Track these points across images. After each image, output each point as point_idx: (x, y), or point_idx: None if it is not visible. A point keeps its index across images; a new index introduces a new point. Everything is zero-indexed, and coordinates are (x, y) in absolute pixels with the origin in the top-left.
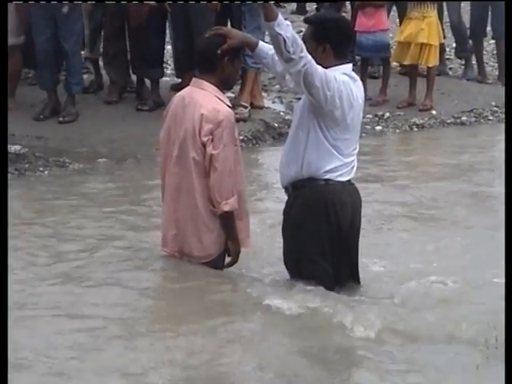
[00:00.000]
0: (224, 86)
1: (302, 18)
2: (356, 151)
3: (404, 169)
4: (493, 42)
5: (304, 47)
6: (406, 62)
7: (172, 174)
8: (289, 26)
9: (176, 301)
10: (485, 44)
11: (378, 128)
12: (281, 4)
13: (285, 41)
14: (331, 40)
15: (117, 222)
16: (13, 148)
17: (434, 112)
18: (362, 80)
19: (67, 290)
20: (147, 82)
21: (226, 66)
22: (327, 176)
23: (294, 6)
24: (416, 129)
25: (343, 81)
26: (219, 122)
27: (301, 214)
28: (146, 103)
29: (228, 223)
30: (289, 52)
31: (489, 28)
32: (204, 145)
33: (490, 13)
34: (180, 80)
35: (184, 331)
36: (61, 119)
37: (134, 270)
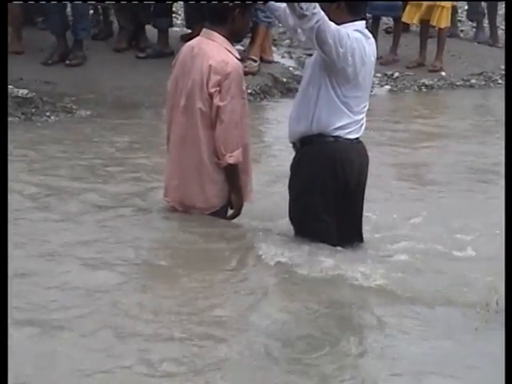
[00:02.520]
0: (234, 38)
1: None
2: (366, 109)
3: (412, 130)
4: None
5: (317, 4)
6: (415, 21)
7: (178, 123)
8: None
9: (176, 251)
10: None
11: (387, 87)
12: None
13: None
14: None
15: (118, 172)
16: (20, 92)
17: (443, 73)
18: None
19: (60, 227)
20: (152, 30)
21: (237, 18)
22: (336, 133)
23: None
24: (425, 89)
25: (356, 38)
26: (227, 74)
27: (308, 169)
28: (144, 50)
29: (232, 176)
30: (302, 8)
31: None
32: (211, 96)
33: None
34: (190, 31)
35: (182, 282)
36: (67, 62)
37: (133, 218)
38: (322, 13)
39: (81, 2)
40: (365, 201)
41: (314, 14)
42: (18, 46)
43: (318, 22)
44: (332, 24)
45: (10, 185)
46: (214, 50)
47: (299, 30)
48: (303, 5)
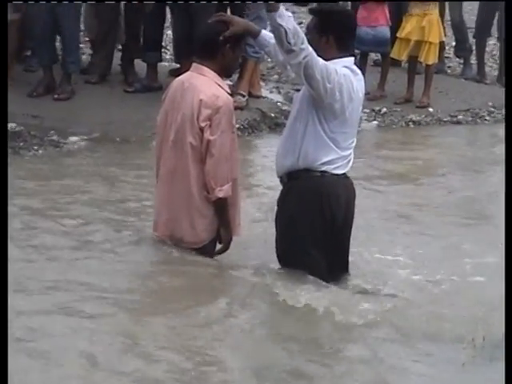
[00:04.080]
0: (224, 72)
1: (303, 8)
2: (353, 145)
3: (395, 164)
4: (492, 42)
5: (305, 39)
6: (404, 57)
7: (167, 158)
8: (290, 18)
9: (163, 285)
10: None
11: (375, 123)
12: None
13: (286, 32)
14: (335, 32)
15: (107, 204)
16: (8, 126)
17: (430, 109)
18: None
19: (51, 266)
20: (140, 64)
21: (227, 53)
22: (323, 168)
23: None
24: (412, 125)
25: (344, 74)
26: (218, 108)
27: (295, 204)
28: (132, 85)
29: (221, 210)
30: (290, 43)
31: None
32: (202, 130)
33: (497, 13)
34: (178, 65)
35: (168, 314)
36: (56, 96)
37: (123, 253)
38: (310, 48)
39: (81, 1)
40: (352, 236)
41: (301, 49)
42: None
43: (306, 57)
44: (320, 59)
45: None
46: (204, 85)
47: (288, 67)
48: (291, 40)
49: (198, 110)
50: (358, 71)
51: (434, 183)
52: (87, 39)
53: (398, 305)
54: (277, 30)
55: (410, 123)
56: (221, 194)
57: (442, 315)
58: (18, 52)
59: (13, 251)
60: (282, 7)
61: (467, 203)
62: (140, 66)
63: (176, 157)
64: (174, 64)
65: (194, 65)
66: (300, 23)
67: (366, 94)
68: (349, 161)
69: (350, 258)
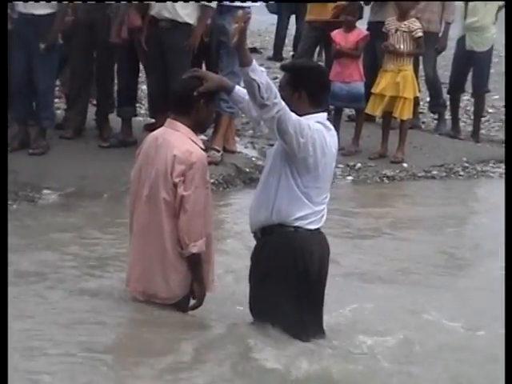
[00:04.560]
0: (198, 128)
1: (277, 64)
2: (327, 200)
3: (369, 220)
4: (466, 98)
5: (278, 94)
6: (378, 113)
7: (141, 213)
8: (263, 73)
9: (135, 342)
10: None
11: (349, 178)
12: (258, 49)
13: (259, 86)
14: (307, 87)
15: (80, 261)
16: None
17: (405, 165)
18: (335, 129)
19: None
20: (115, 119)
21: (201, 109)
22: (297, 223)
23: (270, 52)
24: (387, 180)
25: (317, 129)
26: (192, 164)
27: (269, 260)
28: (107, 140)
29: (195, 265)
30: (263, 98)
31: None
32: (175, 185)
33: (471, 69)
34: (153, 120)
35: (139, 374)
36: (30, 151)
37: (93, 307)
38: (283, 103)
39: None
40: (326, 292)
41: (274, 103)
42: None
43: (278, 111)
44: (293, 114)
45: None
46: (178, 140)
47: (262, 122)
48: (264, 94)
49: (171, 166)
50: (331, 126)
51: (408, 238)
52: (62, 94)
53: (371, 365)
54: (250, 85)
55: (385, 178)
56: (194, 250)
57: (416, 379)
58: None
59: None
60: (254, 62)
61: (441, 258)
62: (115, 120)
63: (150, 212)
64: (149, 119)
65: (169, 120)
66: (275, 78)
67: (341, 149)
68: (322, 216)
69: (325, 316)
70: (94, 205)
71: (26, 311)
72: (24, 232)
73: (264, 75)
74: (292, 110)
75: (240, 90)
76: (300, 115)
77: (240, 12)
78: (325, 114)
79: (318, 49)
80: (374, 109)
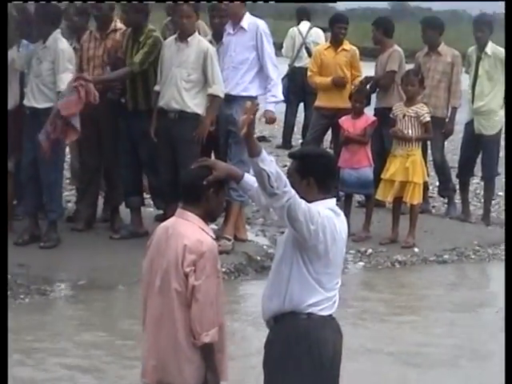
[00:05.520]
0: (208, 217)
1: (287, 152)
2: (338, 285)
3: (381, 306)
4: (475, 181)
5: (288, 182)
6: (389, 199)
7: (154, 304)
8: (272, 162)
9: None
10: None
11: (361, 263)
12: (266, 138)
13: (269, 176)
14: (315, 174)
15: (96, 354)
16: None
17: (416, 249)
18: (345, 215)
19: None
20: (124, 211)
21: (211, 198)
22: (309, 310)
23: (279, 140)
24: (398, 266)
25: (327, 216)
26: (202, 254)
27: (282, 348)
28: (118, 231)
29: (208, 355)
30: (272, 187)
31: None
32: (186, 275)
33: (480, 153)
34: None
35: None
36: (41, 244)
37: None
38: (293, 191)
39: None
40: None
41: (284, 192)
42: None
43: (288, 200)
44: (303, 202)
45: None
46: (188, 230)
47: (271, 210)
48: (274, 183)
49: (182, 256)
50: (340, 212)
51: (421, 325)
52: (73, 187)
53: None
54: (259, 174)
55: (396, 263)
56: (207, 339)
57: None
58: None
59: None
60: (264, 151)
61: (453, 346)
62: (126, 211)
63: (162, 303)
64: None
65: (179, 210)
66: (284, 166)
67: (352, 235)
68: (334, 302)
69: None
70: (106, 296)
71: None
72: (37, 325)
73: (273, 164)
74: (301, 197)
75: (249, 178)
76: (309, 202)
77: (248, 103)
78: (334, 200)
79: (330, 136)
80: (385, 195)
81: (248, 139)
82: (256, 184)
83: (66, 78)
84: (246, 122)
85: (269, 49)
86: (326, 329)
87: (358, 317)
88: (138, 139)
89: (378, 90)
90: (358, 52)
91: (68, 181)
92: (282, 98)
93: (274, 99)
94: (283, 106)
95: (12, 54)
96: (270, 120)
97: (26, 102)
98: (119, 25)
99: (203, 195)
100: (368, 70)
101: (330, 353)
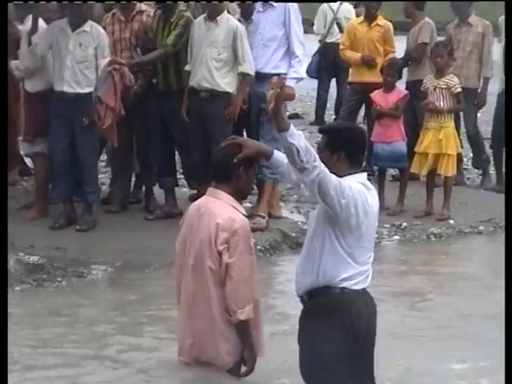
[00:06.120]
0: (239, 195)
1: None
2: (371, 259)
3: (416, 279)
4: None
5: (317, 156)
6: (423, 172)
7: (188, 283)
8: (301, 136)
9: None
10: None
11: (396, 237)
12: (299, 115)
13: (298, 150)
14: (345, 148)
15: (133, 332)
16: (31, 259)
17: (451, 221)
18: (379, 190)
19: None
20: (158, 192)
21: (241, 176)
22: (343, 284)
23: (312, 117)
24: (434, 238)
25: (358, 190)
26: (235, 231)
27: (316, 322)
28: (152, 212)
29: (244, 332)
30: (302, 161)
31: None
32: (220, 254)
33: None
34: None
35: None
36: (78, 227)
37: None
38: (323, 165)
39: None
40: (378, 353)
41: (314, 166)
42: (42, 211)
43: (319, 174)
44: (333, 176)
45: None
46: (220, 208)
47: (302, 185)
48: (304, 158)
49: (215, 234)
50: (372, 186)
51: (457, 298)
52: (108, 169)
53: None
54: (288, 149)
55: (432, 236)
56: (242, 317)
57: None
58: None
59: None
60: (292, 126)
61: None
62: (160, 192)
63: (196, 281)
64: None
65: (210, 189)
66: (317, 143)
67: (386, 209)
68: (368, 276)
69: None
70: (142, 277)
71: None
72: (75, 307)
73: (302, 138)
74: (332, 172)
75: (279, 155)
76: (340, 176)
77: (275, 78)
78: (365, 174)
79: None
80: (420, 168)
81: (275, 114)
82: (286, 160)
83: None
84: (273, 97)
85: (296, 25)
86: (360, 302)
87: (393, 292)
88: (170, 120)
89: (409, 63)
90: (391, 27)
91: (104, 164)
92: (304, 75)
93: (295, 75)
94: (315, 83)
95: (35, 38)
96: (288, 96)
97: (66, 89)
98: (144, 6)
99: (233, 173)
100: (400, 43)
101: (363, 326)
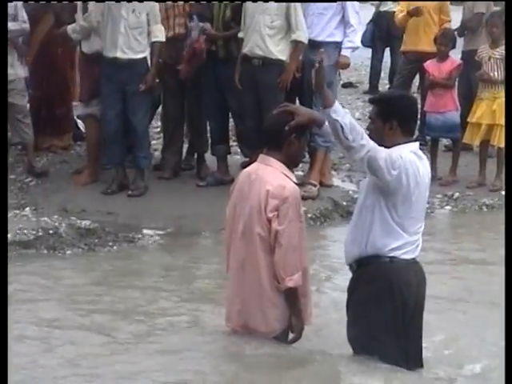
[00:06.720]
0: (290, 162)
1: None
2: (421, 229)
3: (468, 250)
4: None
5: (365, 134)
6: (476, 143)
7: (237, 249)
8: (347, 114)
9: (240, 378)
10: None
11: (447, 208)
12: (353, 84)
13: (342, 127)
14: (398, 117)
15: (182, 298)
16: (83, 223)
17: (503, 193)
18: (432, 160)
19: (124, 359)
20: (210, 158)
21: (293, 143)
22: (392, 254)
23: (366, 86)
24: (486, 209)
25: (410, 159)
26: (285, 198)
27: (365, 291)
28: (204, 179)
29: (292, 299)
30: (347, 139)
31: None
32: (269, 220)
33: None
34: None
35: None
36: (129, 193)
37: (196, 345)
38: (371, 142)
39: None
40: (425, 323)
41: (362, 145)
42: (94, 175)
43: (368, 152)
44: (382, 149)
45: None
46: (270, 175)
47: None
48: (349, 136)
49: (265, 201)
50: (423, 156)
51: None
52: (160, 135)
53: None
54: (333, 126)
55: (484, 207)
56: (291, 284)
57: None
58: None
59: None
60: (337, 103)
61: None
62: (212, 159)
63: (245, 248)
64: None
65: (261, 155)
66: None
67: (439, 179)
68: (417, 246)
69: (424, 344)
70: (194, 243)
71: (128, 345)
72: (127, 272)
73: (348, 116)
74: (382, 145)
75: None
76: (392, 146)
77: (320, 52)
78: (417, 144)
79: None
80: (472, 138)
81: (319, 90)
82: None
83: (160, 28)
84: (315, 73)
85: None
86: (409, 272)
87: (444, 262)
88: (227, 87)
89: (465, 32)
90: None
91: (158, 129)
92: (359, 44)
93: (350, 44)
94: (369, 52)
95: (90, 6)
96: (343, 65)
97: (119, 55)
98: None
99: (285, 141)
100: (456, 13)
101: (412, 294)
